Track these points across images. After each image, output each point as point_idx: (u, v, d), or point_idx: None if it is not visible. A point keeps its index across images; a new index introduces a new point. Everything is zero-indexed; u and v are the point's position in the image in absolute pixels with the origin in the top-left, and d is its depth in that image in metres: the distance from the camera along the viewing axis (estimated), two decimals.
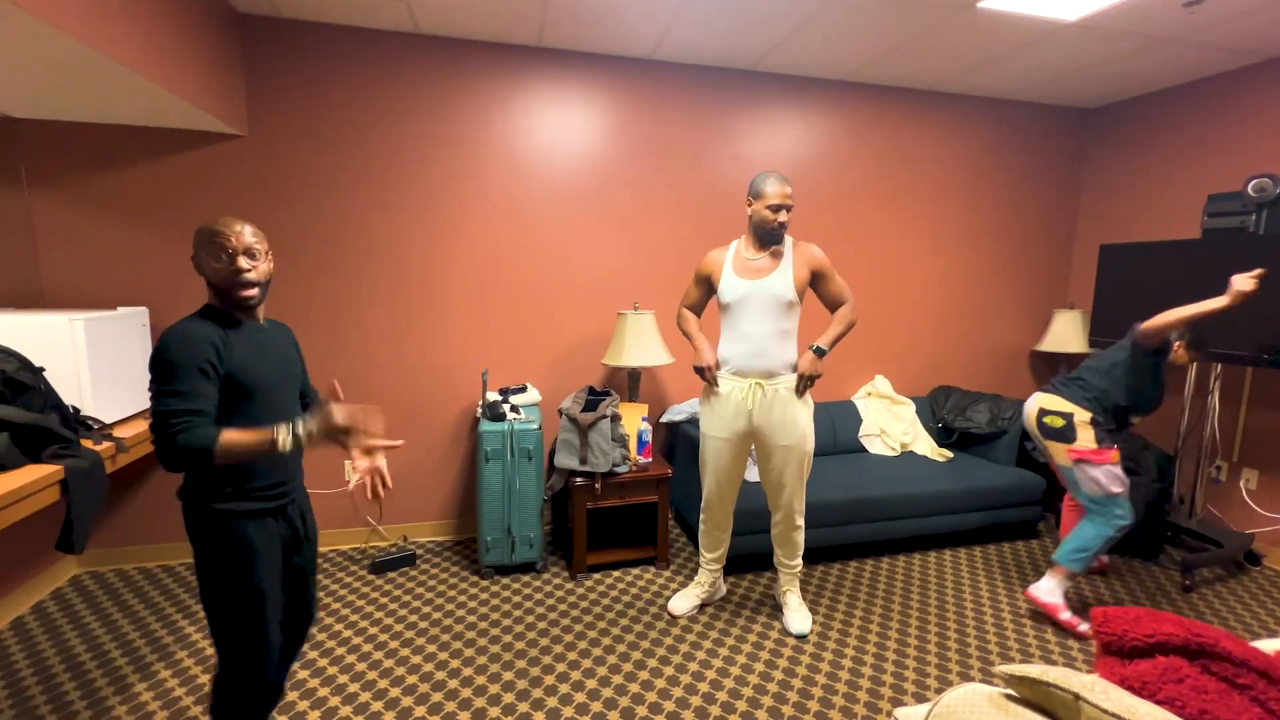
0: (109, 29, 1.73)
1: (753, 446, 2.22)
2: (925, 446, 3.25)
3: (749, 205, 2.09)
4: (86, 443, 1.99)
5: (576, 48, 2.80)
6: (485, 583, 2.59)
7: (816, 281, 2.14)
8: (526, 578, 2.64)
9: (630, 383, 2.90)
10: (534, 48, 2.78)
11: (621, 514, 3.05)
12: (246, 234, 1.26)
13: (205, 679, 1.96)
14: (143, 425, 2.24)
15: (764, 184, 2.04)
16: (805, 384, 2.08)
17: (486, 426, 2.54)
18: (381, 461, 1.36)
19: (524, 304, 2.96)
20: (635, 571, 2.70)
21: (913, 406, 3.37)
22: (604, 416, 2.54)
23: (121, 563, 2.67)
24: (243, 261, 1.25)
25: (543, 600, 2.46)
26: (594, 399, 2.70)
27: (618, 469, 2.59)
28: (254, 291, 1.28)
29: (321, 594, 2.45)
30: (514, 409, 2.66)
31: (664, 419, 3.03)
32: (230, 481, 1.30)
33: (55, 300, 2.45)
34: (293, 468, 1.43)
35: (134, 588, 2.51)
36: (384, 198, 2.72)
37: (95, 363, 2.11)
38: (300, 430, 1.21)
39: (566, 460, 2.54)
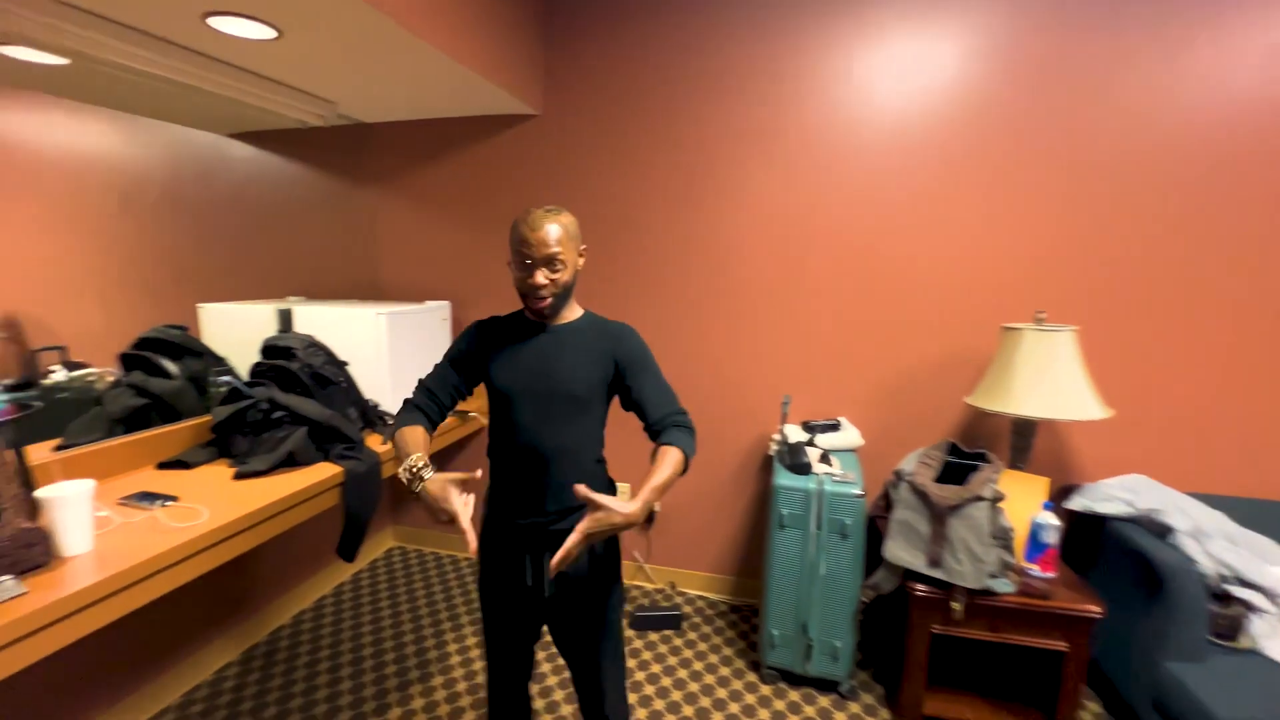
0: (435, 19, 1.64)
1: None
2: None
3: None
4: (375, 438, 1.94)
5: None
6: (766, 690, 1.89)
7: None
8: (825, 701, 1.84)
9: (1015, 439, 1.82)
10: None
11: (990, 649, 1.97)
12: (551, 242, 1.12)
13: (449, 675, 1.73)
14: None
15: None
16: None
17: (785, 480, 1.81)
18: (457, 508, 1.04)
19: (850, 306, 2.12)
20: None
21: None
22: (978, 498, 1.55)
23: (422, 544, 2.79)
24: (539, 276, 1.13)
25: None
26: (957, 462, 1.73)
27: (993, 583, 1.58)
28: (547, 303, 1.16)
29: None
30: (824, 458, 1.86)
31: (1076, 505, 1.85)
32: (490, 471, 1.27)
33: (390, 293, 2.61)
34: (527, 505, 1.20)
35: (424, 572, 2.55)
36: (680, 177, 2.20)
37: (395, 356, 2.08)
38: (418, 474, 1.08)
39: (905, 554, 1.64)
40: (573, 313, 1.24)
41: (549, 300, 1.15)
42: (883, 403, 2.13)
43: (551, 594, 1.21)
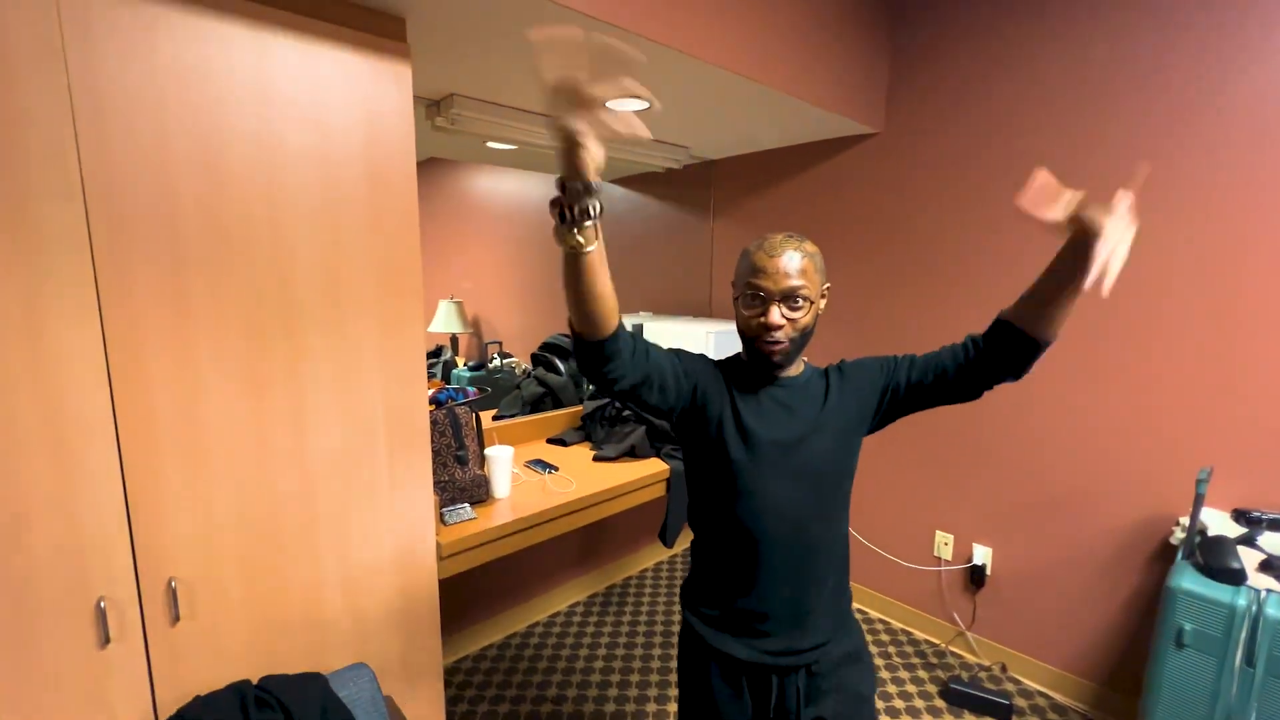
0: (792, 72, 1.79)
1: None
2: None
3: None
4: None
5: None
6: None
7: None
8: None
9: None
10: None
11: None
12: (793, 274, 0.88)
13: None
14: None
15: None
16: None
17: (1190, 583, 1.34)
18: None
19: None
20: None
21: None
22: None
23: None
24: (775, 315, 0.89)
25: None
26: None
27: None
28: (781, 350, 0.91)
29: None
30: (1271, 566, 1.31)
31: None
32: (698, 574, 1.04)
33: (719, 311, 2.87)
34: (770, 611, 0.95)
35: None
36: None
37: None
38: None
39: None
40: (797, 365, 0.98)
41: (784, 346, 0.90)
42: None
43: None
